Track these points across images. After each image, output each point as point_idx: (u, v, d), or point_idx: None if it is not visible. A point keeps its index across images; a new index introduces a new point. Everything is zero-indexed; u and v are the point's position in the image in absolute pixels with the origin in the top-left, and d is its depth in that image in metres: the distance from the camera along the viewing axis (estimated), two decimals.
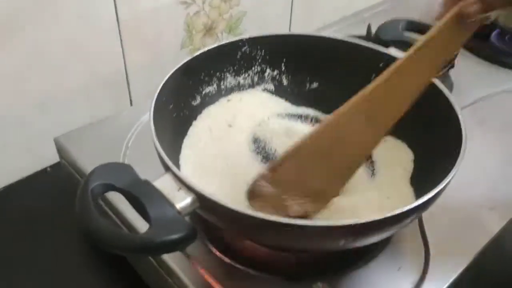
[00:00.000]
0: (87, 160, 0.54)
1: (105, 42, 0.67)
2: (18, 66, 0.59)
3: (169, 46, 0.75)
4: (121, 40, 0.68)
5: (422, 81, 0.41)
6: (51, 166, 0.67)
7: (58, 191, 0.63)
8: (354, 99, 0.41)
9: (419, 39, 0.40)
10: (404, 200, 0.47)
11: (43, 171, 0.68)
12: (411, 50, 0.40)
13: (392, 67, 0.40)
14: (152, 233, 0.33)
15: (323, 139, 0.42)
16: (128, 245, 0.31)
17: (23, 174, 0.67)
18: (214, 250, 0.46)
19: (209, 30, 0.79)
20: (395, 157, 0.52)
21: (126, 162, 0.54)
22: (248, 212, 0.35)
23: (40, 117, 0.65)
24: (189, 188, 0.37)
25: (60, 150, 0.57)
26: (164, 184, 0.37)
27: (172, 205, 0.36)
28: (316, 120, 0.58)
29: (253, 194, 0.42)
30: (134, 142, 0.58)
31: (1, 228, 0.59)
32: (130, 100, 0.75)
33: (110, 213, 0.51)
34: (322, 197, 0.43)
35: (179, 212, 0.36)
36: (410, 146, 0.52)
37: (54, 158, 0.61)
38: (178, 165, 0.49)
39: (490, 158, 0.60)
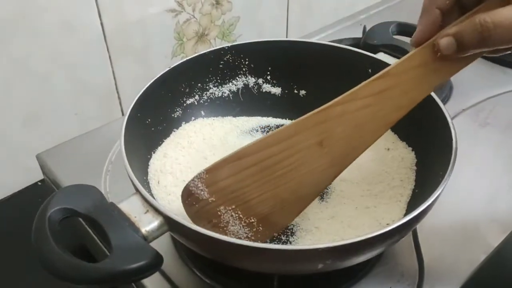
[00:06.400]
0: (67, 178, 0.52)
1: (91, 53, 0.66)
2: (1, 79, 0.58)
3: (159, 55, 0.73)
4: (108, 50, 0.67)
5: (382, 122, 0.35)
6: (41, 180, 0.66)
7: None
8: (307, 115, 0.36)
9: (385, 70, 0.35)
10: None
11: (34, 185, 0.67)
12: (370, 79, 0.35)
13: (348, 92, 0.35)
14: (111, 262, 0.31)
15: (269, 152, 0.35)
16: (83, 277, 0.30)
17: (13, 189, 0.66)
18: (197, 272, 0.44)
19: (201, 37, 0.77)
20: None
21: (108, 178, 0.53)
22: (216, 235, 0.33)
23: (26, 131, 0.64)
24: (157, 211, 0.35)
25: (42, 167, 0.55)
26: (130, 206, 0.36)
27: (137, 230, 0.34)
28: None
29: (187, 194, 0.36)
30: (118, 156, 0.56)
31: None
32: (122, 111, 0.74)
33: (92, 233, 0.49)
34: (268, 224, 0.36)
35: (145, 237, 0.34)
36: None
37: None
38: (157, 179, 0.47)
39: (491, 163, 0.57)
